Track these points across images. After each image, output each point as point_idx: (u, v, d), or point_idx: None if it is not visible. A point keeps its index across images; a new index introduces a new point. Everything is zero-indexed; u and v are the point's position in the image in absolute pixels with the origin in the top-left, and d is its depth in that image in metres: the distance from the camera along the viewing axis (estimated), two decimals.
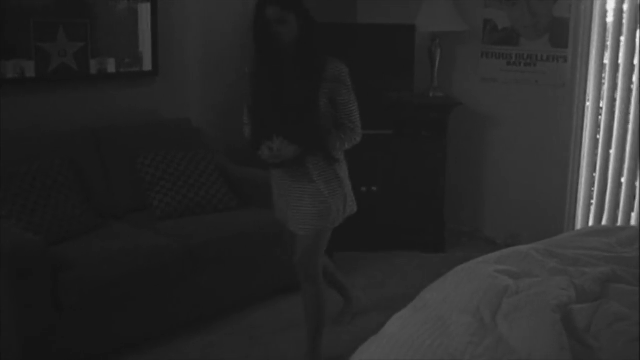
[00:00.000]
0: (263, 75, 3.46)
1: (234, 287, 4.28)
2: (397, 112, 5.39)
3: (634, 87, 4.95)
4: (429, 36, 5.46)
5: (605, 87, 5.10)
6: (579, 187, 5.33)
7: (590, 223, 5.32)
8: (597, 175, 5.26)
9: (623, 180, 5.13)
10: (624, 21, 4.94)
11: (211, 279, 4.08)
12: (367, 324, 3.97)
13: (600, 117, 5.19)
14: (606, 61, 5.08)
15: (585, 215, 5.37)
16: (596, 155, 5.24)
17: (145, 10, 4.74)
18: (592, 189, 5.32)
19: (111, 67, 4.64)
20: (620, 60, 5.00)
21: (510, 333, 2.39)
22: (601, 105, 5.17)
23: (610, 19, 5.01)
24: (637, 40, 4.90)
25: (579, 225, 5.34)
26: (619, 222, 5.17)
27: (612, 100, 5.09)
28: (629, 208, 5.13)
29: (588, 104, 5.19)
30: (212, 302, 4.14)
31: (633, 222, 5.13)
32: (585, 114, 5.21)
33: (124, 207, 4.38)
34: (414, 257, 5.29)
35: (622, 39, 4.97)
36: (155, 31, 4.80)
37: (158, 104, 4.92)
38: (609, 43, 5.04)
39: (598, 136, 5.20)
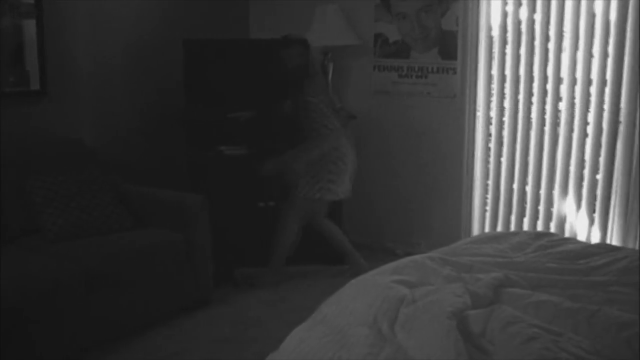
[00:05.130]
0: None
1: (134, 309, 4.17)
2: (290, 127, 5.40)
3: (521, 96, 5.11)
4: (321, 50, 5.50)
5: (494, 97, 5.24)
6: (473, 195, 5.45)
7: (486, 229, 5.44)
8: (490, 182, 5.39)
9: (514, 186, 5.27)
10: (508, 34, 5.10)
11: (109, 302, 3.97)
12: (267, 339, 3.94)
13: (490, 126, 5.32)
14: (494, 72, 5.22)
15: (480, 222, 5.49)
16: (488, 163, 5.38)
17: (30, 26, 4.57)
18: (487, 196, 5.44)
19: None
20: (507, 71, 5.15)
21: (409, 342, 2.41)
22: (491, 115, 5.30)
23: (495, 32, 5.15)
24: (522, 51, 5.06)
25: (475, 232, 5.45)
26: (512, 228, 5.31)
27: (501, 110, 5.23)
28: (521, 213, 5.28)
29: (478, 114, 5.32)
30: (111, 326, 4.02)
31: (525, 227, 5.27)
32: (476, 123, 5.33)
33: (14, 230, 4.21)
34: (314, 270, 5.30)
35: (508, 50, 5.12)
36: (42, 49, 4.64)
37: (48, 124, 4.76)
38: (495, 55, 5.18)
39: (489, 145, 5.33)
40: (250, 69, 5.43)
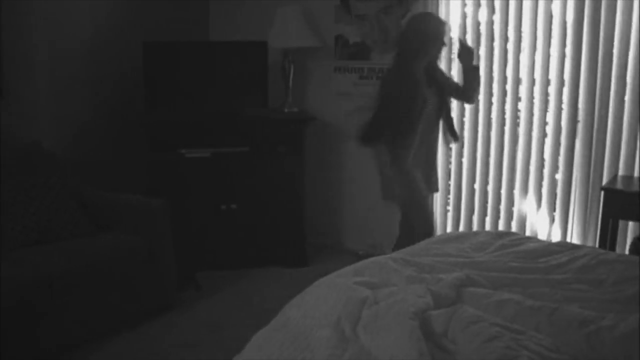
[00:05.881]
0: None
1: (96, 315, 4.13)
2: (252, 129, 5.40)
3: (481, 97, 5.13)
4: (282, 52, 5.49)
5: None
6: (435, 195, 5.46)
7: (449, 229, 5.47)
8: (451, 182, 5.41)
9: (476, 186, 5.31)
10: (468, 35, 5.13)
11: (70, 308, 3.93)
12: (231, 342, 3.92)
13: None
14: (453, 73, 5.24)
15: (442, 222, 5.51)
16: (449, 163, 5.40)
17: None
18: (448, 196, 5.47)
19: None
20: None
21: (372, 343, 2.41)
22: (451, 115, 5.32)
23: (455, 33, 5.18)
24: (481, 52, 5.09)
25: (437, 232, 5.46)
26: (475, 227, 5.34)
27: (461, 110, 5.25)
28: (483, 213, 5.31)
29: None
30: (74, 332, 3.98)
31: (487, 226, 5.30)
32: None
33: None
34: (276, 272, 5.29)
35: None
36: (0, 50, 4.57)
37: (6, 127, 4.68)
38: (455, 56, 5.21)
39: (450, 145, 5.35)
40: (210, 71, 5.41)
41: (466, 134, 5.27)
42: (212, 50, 5.59)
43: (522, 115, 5.03)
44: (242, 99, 5.45)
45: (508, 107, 5.08)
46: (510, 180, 5.16)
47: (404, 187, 4.49)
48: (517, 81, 5.02)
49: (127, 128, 5.42)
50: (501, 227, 5.23)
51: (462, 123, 5.27)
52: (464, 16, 5.14)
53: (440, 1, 5.16)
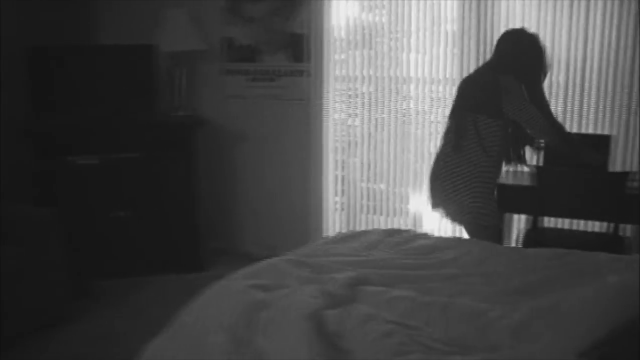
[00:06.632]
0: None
1: None
2: (141, 134, 5.30)
3: (371, 97, 5.20)
4: (169, 55, 5.42)
5: (345, 98, 5.31)
6: (324, 196, 5.49)
7: (342, 229, 5.50)
8: (343, 183, 5.45)
9: (369, 185, 5.36)
10: (357, 36, 5.18)
11: None
12: (127, 353, 3.84)
13: (341, 126, 5.38)
14: (343, 73, 5.29)
15: (334, 222, 5.54)
16: (343, 163, 5.44)
17: None
18: (340, 196, 5.50)
19: None
20: (357, 73, 5.23)
21: (267, 346, 2.39)
22: (341, 116, 5.36)
23: (344, 34, 5.22)
24: (371, 53, 5.14)
25: (329, 232, 5.49)
26: (365, 226, 5.38)
27: (352, 110, 5.30)
28: (378, 212, 5.36)
29: (329, 115, 5.36)
30: None
31: (381, 225, 5.35)
32: (327, 125, 5.38)
33: None
34: (173, 279, 5.21)
35: (357, 52, 5.20)
36: None
37: None
38: (344, 57, 5.25)
39: (342, 145, 5.40)
40: (98, 75, 5.29)
41: (357, 134, 5.31)
42: (100, 54, 5.46)
43: (413, 113, 5.11)
44: (131, 104, 5.34)
45: (398, 106, 5.14)
46: (404, 178, 5.23)
47: (492, 213, 4.18)
48: (408, 80, 5.08)
49: (12, 135, 5.23)
50: (396, 225, 5.29)
51: (353, 123, 5.31)
52: (352, 17, 5.18)
53: (329, 2, 5.18)
